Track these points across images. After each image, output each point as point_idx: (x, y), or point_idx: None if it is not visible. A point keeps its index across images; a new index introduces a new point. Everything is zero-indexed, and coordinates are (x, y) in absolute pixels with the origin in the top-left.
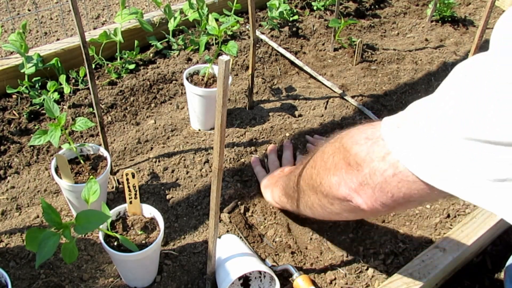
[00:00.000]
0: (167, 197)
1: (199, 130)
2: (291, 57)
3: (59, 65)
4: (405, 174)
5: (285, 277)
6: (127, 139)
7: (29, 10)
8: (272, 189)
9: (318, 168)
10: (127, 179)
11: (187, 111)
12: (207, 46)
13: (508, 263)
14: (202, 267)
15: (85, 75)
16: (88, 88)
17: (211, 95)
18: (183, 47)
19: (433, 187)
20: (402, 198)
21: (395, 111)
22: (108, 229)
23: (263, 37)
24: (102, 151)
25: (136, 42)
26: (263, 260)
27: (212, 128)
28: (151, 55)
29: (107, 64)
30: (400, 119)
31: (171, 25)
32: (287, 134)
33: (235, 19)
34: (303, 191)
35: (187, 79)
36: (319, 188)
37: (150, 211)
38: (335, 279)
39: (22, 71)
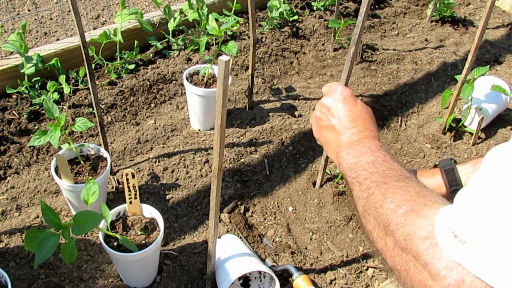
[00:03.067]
0: (167, 197)
1: (199, 130)
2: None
3: (59, 65)
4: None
5: (285, 277)
6: (127, 139)
7: (29, 10)
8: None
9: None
10: (127, 179)
11: (187, 111)
12: (207, 46)
13: None
14: (202, 267)
15: (85, 75)
16: (88, 88)
17: (211, 95)
18: (183, 47)
19: None
20: None
21: (395, 111)
22: (108, 229)
23: None
24: (102, 151)
25: (136, 42)
26: (263, 260)
27: (212, 128)
28: (151, 55)
29: (107, 64)
30: (459, 229)
31: (171, 25)
32: (287, 135)
33: (235, 19)
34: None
35: (187, 79)
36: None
37: (150, 211)
38: (335, 279)
39: (22, 71)
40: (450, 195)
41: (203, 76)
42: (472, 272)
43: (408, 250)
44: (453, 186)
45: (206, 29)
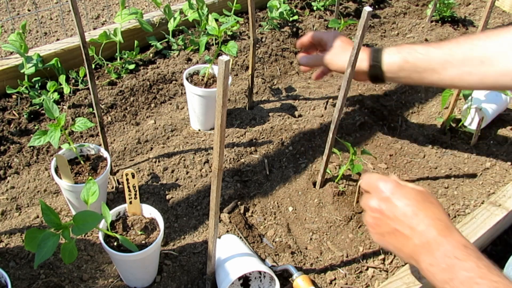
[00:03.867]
0: (167, 197)
1: (199, 130)
2: None
3: (59, 65)
4: None
5: (285, 277)
6: (127, 139)
7: (29, 10)
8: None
9: None
10: (127, 179)
11: (187, 111)
12: (207, 46)
13: (507, 264)
14: (202, 267)
15: (85, 75)
16: (88, 88)
17: (211, 95)
18: (183, 47)
19: None
20: None
21: (395, 111)
22: (108, 229)
23: None
24: (102, 151)
25: (136, 42)
26: (263, 260)
27: (212, 128)
28: (151, 55)
29: (107, 64)
30: None
31: (171, 25)
32: (287, 135)
33: (235, 19)
34: None
35: (187, 79)
36: None
37: (150, 211)
38: (335, 279)
39: (22, 71)
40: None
41: (203, 76)
42: None
43: None
44: (374, 62)
45: (206, 29)
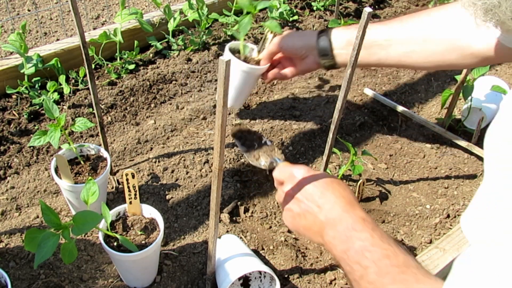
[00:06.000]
0: (167, 197)
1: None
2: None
3: (59, 65)
4: None
5: (285, 277)
6: (127, 139)
7: (29, 10)
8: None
9: None
10: (127, 179)
11: (187, 111)
12: (207, 47)
13: None
14: (202, 267)
15: (85, 75)
16: (88, 88)
17: (252, 71)
18: (182, 47)
19: None
20: None
21: (395, 111)
22: (108, 230)
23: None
24: (102, 152)
25: (136, 42)
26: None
27: (241, 108)
28: (151, 55)
29: (107, 64)
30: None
31: (171, 25)
32: (287, 135)
33: (235, 19)
34: None
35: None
36: None
37: (150, 211)
38: (335, 279)
39: (22, 71)
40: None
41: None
42: None
43: None
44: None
45: (206, 29)
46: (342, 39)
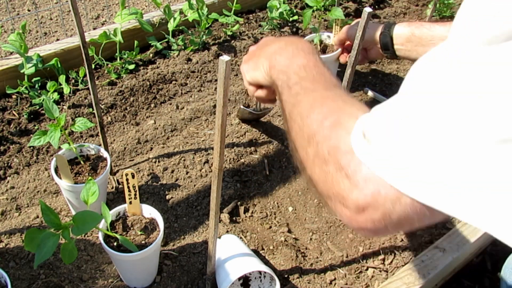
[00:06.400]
0: (167, 197)
1: None
2: None
3: (59, 65)
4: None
5: (285, 277)
6: (127, 139)
7: (28, 11)
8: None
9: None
10: (127, 179)
11: (187, 111)
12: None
13: (504, 266)
14: (202, 267)
15: (85, 75)
16: (88, 88)
17: (327, 60)
18: (182, 47)
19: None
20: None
21: None
22: (107, 230)
23: None
24: (102, 152)
25: (136, 42)
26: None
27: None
28: (151, 55)
29: (107, 64)
30: (368, 128)
31: (171, 25)
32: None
33: (235, 19)
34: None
35: None
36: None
37: (150, 211)
38: (335, 279)
39: (21, 71)
40: (380, 36)
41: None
42: (382, 176)
43: (330, 163)
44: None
45: (206, 29)
46: (402, 37)
